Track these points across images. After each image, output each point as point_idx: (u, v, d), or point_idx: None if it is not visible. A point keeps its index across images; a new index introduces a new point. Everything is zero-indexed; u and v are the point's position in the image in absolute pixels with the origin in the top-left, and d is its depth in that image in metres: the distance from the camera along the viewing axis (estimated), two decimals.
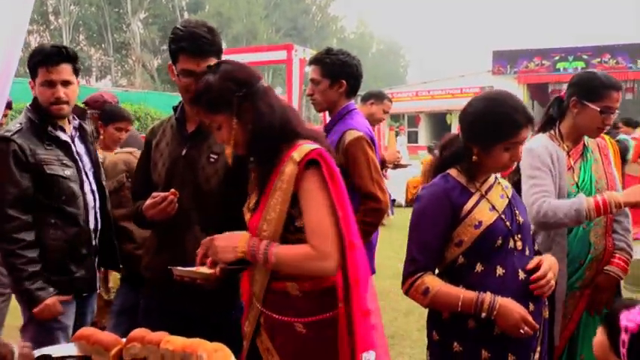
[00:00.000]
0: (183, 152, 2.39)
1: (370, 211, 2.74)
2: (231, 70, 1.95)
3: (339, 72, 3.00)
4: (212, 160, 2.35)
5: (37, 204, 2.53)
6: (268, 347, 2.00)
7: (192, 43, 2.28)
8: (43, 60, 2.55)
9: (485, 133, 2.04)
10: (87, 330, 1.83)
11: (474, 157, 2.07)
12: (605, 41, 27.38)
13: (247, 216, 2.03)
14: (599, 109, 2.53)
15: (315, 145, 1.89)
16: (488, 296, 1.96)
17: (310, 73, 3.06)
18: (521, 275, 2.05)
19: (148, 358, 1.73)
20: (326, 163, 1.87)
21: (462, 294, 1.98)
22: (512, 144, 2.03)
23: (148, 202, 2.26)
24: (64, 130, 2.67)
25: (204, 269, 1.98)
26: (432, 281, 2.04)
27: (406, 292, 2.11)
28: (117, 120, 3.74)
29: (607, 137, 2.86)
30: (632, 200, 2.43)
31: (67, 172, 2.60)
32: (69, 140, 2.67)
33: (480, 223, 2.02)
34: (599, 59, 23.41)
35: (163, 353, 1.70)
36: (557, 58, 25.24)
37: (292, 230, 1.91)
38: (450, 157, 2.17)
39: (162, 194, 2.23)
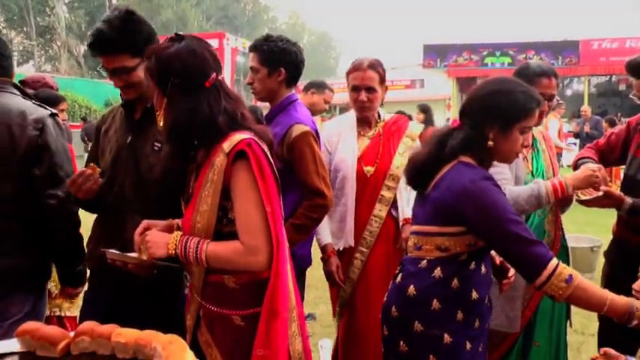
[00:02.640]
0: (129, 140, 2.33)
1: (316, 207, 2.72)
2: (182, 53, 1.86)
3: (277, 59, 2.87)
4: (156, 148, 2.30)
5: None
6: (207, 340, 1.97)
7: (95, 44, 2.25)
8: None
9: (506, 113, 2.00)
10: (31, 324, 1.73)
11: (489, 142, 2.02)
12: (530, 38, 28.42)
13: (183, 207, 2.00)
14: None
15: (246, 135, 1.85)
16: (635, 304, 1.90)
17: (250, 61, 2.96)
18: (491, 271, 2.13)
19: (98, 352, 1.67)
20: (255, 154, 1.82)
21: (609, 295, 1.90)
22: (527, 126, 2.04)
23: (68, 180, 2.21)
24: None
25: (137, 254, 1.95)
26: (571, 269, 1.91)
27: (546, 280, 1.88)
28: (52, 106, 3.58)
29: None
30: (581, 183, 2.53)
31: None
32: None
33: None
34: (524, 55, 24.22)
35: (114, 346, 1.64)
36: (485, 53, 25.96)
37: (225, 222, 1.87)
38: (455, 148, 2.05)
39: (82, 170, 2.18)
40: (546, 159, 2.82)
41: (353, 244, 2.99)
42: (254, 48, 2.94)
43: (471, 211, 1.94)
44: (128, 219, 2.25)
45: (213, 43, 18.12)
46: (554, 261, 1.89)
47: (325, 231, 3.02)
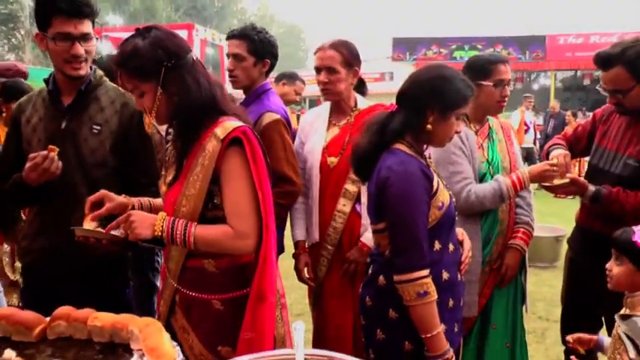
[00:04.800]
0: (63, 125, 2.29)
1: (284, 193, 2.77)
2: (163, 37, 1.87)
3: (265, 50, 2.97)
4: (95, 131, 2.29)
5: None
6: (183, 325, 1.98)
7: (68, 4, 2.17)
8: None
9: (447, 98, 2.03)
10: (6, 309, 1.73)
11: (428, 125, 2.04)
12: (497, 33, 28.73)
13: (163, 189, 1.99)
14: (492, 84, 2.71)
15: (239, 123, 1.87)
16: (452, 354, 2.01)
17: (232, 48, 2.97)
18: (460, 249, 2.17)
19: (74, 336, 1.68)
20: (249, 141, 1.85)
21: (440, 328, 1.98)
22: (463, 112, 2.09)
23: (28, 165, 2.13)
24: None
25: (112, 231, 1.92)
26: (433, 287, 1.98)
27: (405, 281, 1.97)
28: (19, 96, 3.55)
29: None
30: (537, 178, 2.63)
31: None
32: None
33: (443, 204, 2.04)
34: (492, 49, 24.49)
35: (91, 330, 1.65)
36: (454, 47, 26.17)
37: (210, 207, 1.89)
38: (396, 131, 2.08)
39: (42, 153, 2.11)
40: (502, 149, 2.87)
41: (318, 240, 2.91)
42: (242, 36, 2.96)
43: (385, 194, 2.00)
44: (75, 207, 2.19)
45: (182, 34, 17.90)
46: (424, 272, 1.96)
47: (299, 226, 2.99)
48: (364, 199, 2.75)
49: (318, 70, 2.85)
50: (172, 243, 1.87)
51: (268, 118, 2.79)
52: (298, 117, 18.31)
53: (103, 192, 2.02)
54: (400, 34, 31.15)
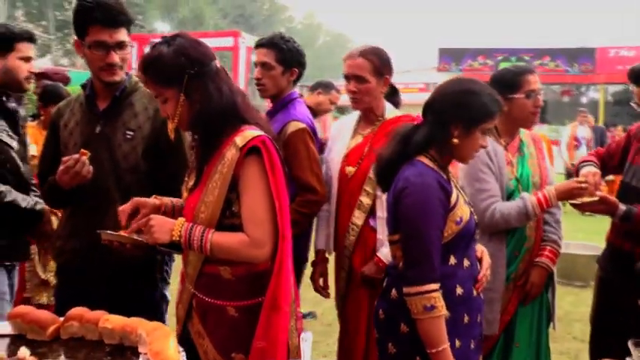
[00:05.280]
0: (97, 130, 2.34)
1: (307, 202, 2.76)
2: (187, 45, 1.90)
3: (293, 60, 2.98)
4: (128, 136, 2.34)
5: None
6: (199, 330, 1.99)
7: (104, 14, 2.23)
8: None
9: (473, 112, 2.00)
10: (23, 308, 1.79)
11: (453, 140, 2.02)
12: (546, 44, 28.23)
13: (184, 195, 2.02)
14: (523, 96, 2.64)
15: (259, 132, 1.88)
16: None
17: (260, 56, 2.97)
18: (477, 265, 2.13)
19: (86, 337, 1.72)
20: (268, 151, 1.86)
21: (447, 344, 1.95)
22: (488, 127, 2.06)
23: (61, 168, 2.18)
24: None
25: (135, 235, 1.95)
26: (442, 302, 1.95)
27: (413, 294, 1.95)
28: (57, 101, 3.67)
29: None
30: (564, 196, 2.56)
31: (13, 143, 2.60)
32: (17, 114, 2.67)
33: (461, 219, 2.02)
34: (539, 61, 24.10)
35: (102, 332, 1.69)
36: (500, 58, 25.79)
37: (228, 215, 1.90)
38: (420, 144, 2.05)
39: (74, 156, 2.16)
40: (533, 163, 2.79)
41: (332, 252, 2.87)
42: (270, 45, 2.97)
43: (400, 205, 1.98)
44: (107, 210, 2.26)
45: (228, 41, 18.11)
46: (433, 286, 1.93)
47: (321, 236, 2.96)
48: (380, 212, 2.67)
49: (346, 77, 2.78)
50: (189, 248, 1.89)
51: (293, 127, 2.79)
52: None
53: (136, 201, 2.04)
54: (446, 44, 30.89)
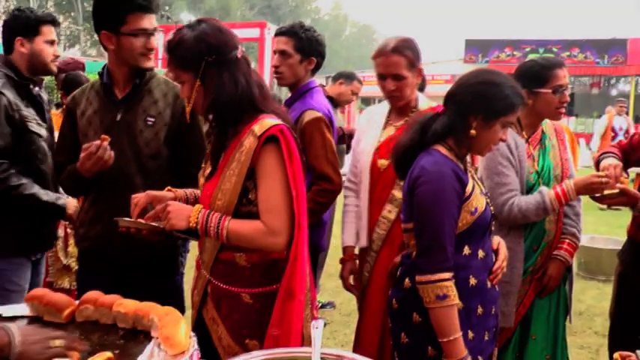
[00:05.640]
0: (118, 117, 2.37)
1: (323, 191, 2.75)
2: (209, 32, 1.90)
3: (312, 49, 2.98)
4: (149, 123, 2.36)
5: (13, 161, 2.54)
6: (214, 317, 2.01)
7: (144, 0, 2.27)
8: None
9: (494, 104, 1.99)
10: (39, 290, 1.82)
11: (472, 131, 2.00)
12: (575, 36, 27.78)
13: (201, 181, 2.03)
14: (551, 91, 2.59)
15: (278, 121, 1.89)
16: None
17: (279, 45, 2.98)
18: (492, 256, 2.11)
19: (100, 321, 1.74)
20: (286, 140, 1.86)
21: (459, 333, 1.95)
22: (509, 121, 2.04)
23: (83, 154, 2.21)
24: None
25: (151, 222, 1.97)
26: (454, 291, 1.95)
27: (426, 282, 1.94)
28: (75, 87, 3.71)
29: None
30: (583, 190, 2.51)
31: (42, 132, 2.64)
32: (42, 100, 2.73)
33: (476, 209, 2.01)
34: (568, 53, 23.75)
35: (115, 315, 1.71)
36: (527, 49, 25.47)
37: (244, 202, 1.91)
38: (438, 133, 2.04)
39: (95, 142, 2.19)
40: (555, 155, 2.74)
41: (367, 245, 2.73)
42: (289, 33, 2.98)
43: (414, 194, 1.98)
44: (131, 195, 2.23)
45: (255, 32, 18.25)
46: (446, 275, 1.92)
47: (349, 231, 2.84)
48: None
49: (381, 76, 2.63)
50: (206, 235, 1.90)
51: (309, 115, 2.79)
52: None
53: (150, 195, 2.07)
54: (473, 35, 30.57)
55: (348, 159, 3.41)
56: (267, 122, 1.87)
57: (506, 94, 2.00)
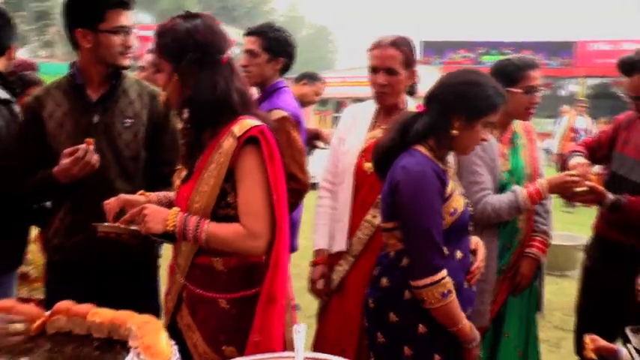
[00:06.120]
0: (95, 120, 2.28)
1: (290, 191, 2.69)
2: (201, 28, 1.85)
3: (280, 49, 2.98)
4: (127, 124, 2.31)
5: None
6: (189, 323, 1.96)
7: None
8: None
9: (476, 104, 1.99)
10: (6, 302, 1.73)
11: (454, 131, 2.00)
12: (526, 38, 28.48)
13: (177, 183, 1.98)
14: (521, 91, 2.61)
15: (258, 122, 1.85)
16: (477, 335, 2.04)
17: (248, 44, 2.98)
18: (470, 256, 2.12)
19: (73, 331, 1.67)
20: (267, 141, 1.83)
21: (465, 320, 1.99)
22: (491, 120, 2.04)
23: (68, 160, 2.11)
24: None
25: (131, 226, 1.92)
26: (452, 285, 1.96)
27: (427, 285, 1.92)
28: (32, 87, 3.57)
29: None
30: (556, 189, 2.55)
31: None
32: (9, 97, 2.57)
33: (455, 210, 2.01)
34: (520, 55, 24.28)
35: (90, 325, 1.64)
36: (481, 51, 26.00)
37: (223, 205, 1.87)
38: (420, 133, 2.03)
39: (82, 146, 2.10)
40: (526, 155, 2.79)
41: (346, 249, 2.63)
42: (258, 33, 2.98)
43: (397, 195, 1.97)
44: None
45: None
46: (444, 272, 1.93)
47: (322, 234, 2.75)
48: None
49: (374, 69, 2.56)
50: (184, 239, 1.85)
51: (274, 115, 2.75)
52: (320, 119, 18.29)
53: (121, 198, 2.02)
54: (428, 37, 31.00)
55: (311, 159, 3.39)
56: (247, 123, 1.83)
57: (489, 94, 2.01)
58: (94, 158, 2.13)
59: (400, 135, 2.07)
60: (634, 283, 2.48)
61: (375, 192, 2.50)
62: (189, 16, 1.89)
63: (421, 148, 2.03)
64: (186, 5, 40.71)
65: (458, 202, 2.03)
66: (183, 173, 1.96)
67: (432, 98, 2.07)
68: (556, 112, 12.51)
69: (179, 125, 2.22)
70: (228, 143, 1.82)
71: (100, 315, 1.64)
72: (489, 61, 25.70)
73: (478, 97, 1.99)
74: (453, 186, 2.04)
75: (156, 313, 1.89)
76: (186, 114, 1.92)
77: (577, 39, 25.96)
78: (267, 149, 1.83)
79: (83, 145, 2.11)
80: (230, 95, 1.87)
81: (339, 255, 2.66)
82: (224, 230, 1.83)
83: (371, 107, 2.72)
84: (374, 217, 2.54)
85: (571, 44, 25.45)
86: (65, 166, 2.13)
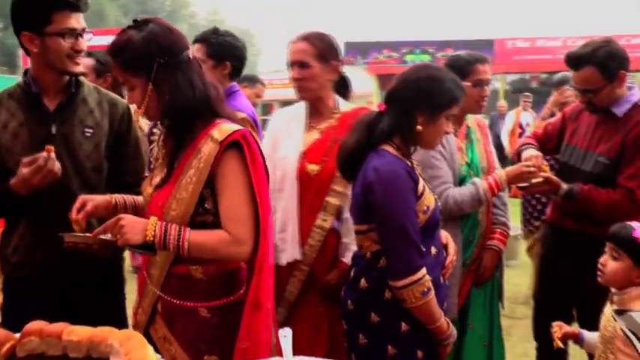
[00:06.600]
0: (53, 130, 2.17)
1: None
2: (158, 32, 1.80)
3: (224, 53, 2.95)
4: (87, 134, 2.20)
5: None
6: (165, 335, 1.89)
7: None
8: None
9: (437, 99, 2.00)
10: None
11: (418, 127, 2.01)
12: (448, 37, 29.29)
13: (149, 190, 1.89)
14: (470, 84, 2.67)
15: (238, 127, 1.81)
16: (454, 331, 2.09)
17: (193, 52, 2.92)
18: (443, 252, 2.15)
19: (47, 353, 1.57)
20: (249, 145, 1.79)
21: (443, 317, 2.02)
22: (452, 113, 2.06)
23: (25, 171, 1.99)
24: None
25: (102, 236, 1.85)
26: (430, 284, 1.96)
27: (408, 285, 1.93)
28: None
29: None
30: (514, 180, 2.63)
31: None
32: None
33: (428, 208, 2.01)
34: (443, 53, 24.83)
35: (66, 345, 1.54)
36: (405, 50, 26.47)
37: (200, 212, 1.81)
38: (385, 132, 2.03)
39: (42, 155, 1.99)
40: (480, 149, 2.86)
41: (300, 257, 2.50)
42: (201, 40, 2.97)
43: (371, 197, 1.96)
44: None
45: None
46: (424, 271, 1.95)
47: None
48: (347, 213, 2.42)
49: (290, 65, 2.56)
50: (164, 249, 1.78)
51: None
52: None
53: (82, 198, 1.96)
54: (352, 38, 31.42)
55: None
56: (227, 127, 1.79)
57: (449, 87, 2.03)
58: (56, 166, 2.02)
59: (365, 135, 2.07)
60: (586, 269, 2.58)
61: (322, 195, 2.46)
62: (138, 24, 1.83)
63: (388, 148, 2.03)
64: (105, 10, 39.63)
65: (430, 200, 2.05)
66: (156, 180, 1.89)
67: (392, 96, 2.07)
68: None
69: (141, 134, 2.15)
70: (208, 148, 1.77)
71: (76, 333, 1.54)
72: (413, 60, 26.31)
73: (439, 91, 2.01)
74: (423, 183, 2.05)
75: (121, 325, 1.81)
76: (167, 120, 1.85)
77: (496, 37, 26.86)
78: (250, 154, 1.79)
79: (44, 154, 2.00)
80: (208, 91, 1.84)
81: (292, 266, 2.53)
82: (207, 238, 1.78)
83: (301, 109, 2.67)
84: (324, 221, 2.48)
85: (490, 42, 26.27)
86: (25, 176, 2.01)
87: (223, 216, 1.80)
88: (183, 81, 1.79)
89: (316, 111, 2.62)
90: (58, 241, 1.93)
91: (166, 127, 1.88)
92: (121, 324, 2.14)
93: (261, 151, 1.86)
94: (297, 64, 2.51)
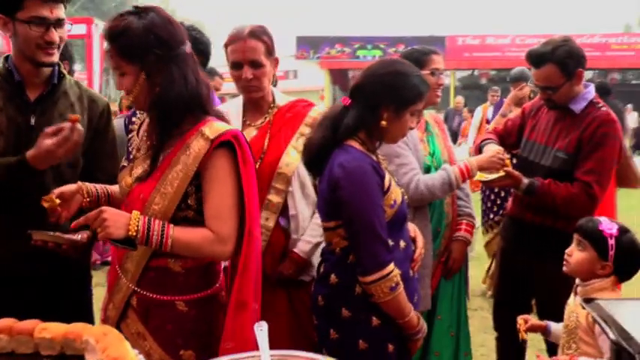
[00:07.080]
0: (32, 122, 2.12)
1: None
2: (158, 23, 1.77)
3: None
4: None
5: None
6: (139, 331, 1.86)
7: None
8: None
9: (403, 94, 2.01)
10: None
11: (382, 122, 2.02)
12: (400, 33, 29.58)
13: (128, 181, 1.85)
14: (428, 72, 2.71)
15: (229, 126, 1.81)
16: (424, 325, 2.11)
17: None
18: (412, 245, 2.16)
19: (17, 351, 1.53)
20: (240, 146, 1.78)
21: (413, 311, 2.03)
22: (417, 109, 2.07)
23: (48, 142, 1.93)
24: None
25: (72, 236, 1.82)
26: (398, 279, 1.98)
27: (376, 280, 1.94)
28: None
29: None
30: (484, 165, 2.68)
31: None
32: None
33: (395, 202, 2.03)
34: (394, 49, 25.06)
35: (38, 343, 1.50)
36: (357, 46, 26.58)
37: (182, 207, 1.79)
38: (350, 127, 2.03)
39: (66, 124, 1.94)
40: (440, 143, 2.92)
41: None
42: None
43: (338, 193, 1.97)
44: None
45: (81, 28, 17.00)
46: (392, 266, 1.97)
47: None
48: (293, 210, 2.41)
49: (237, 65, 2.41)
50: (146, 245, 1.75)
51: None
52: None
53: (57, 190, 1.93)
54: (303, 32, 31.39)
55: None
56: (219, 126, 1.78)
57: (414, 82, 2.05)
58: (82, 137, 1.99)
59: (330, 131, 2.07)
60: (546, 261, 2.66)
61: (262, 193, 2.33)
62: (139, 11, 1.79)
63: (354, 143, 2.04)
64: None
65: (396, 194, 2.06)
66: (137, 171, 1.85)
67: (358, 90, 2.08)
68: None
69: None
70: (198, 145, 1.76)
71: (50, 330, 1.50)
72: (365, 55, 26.49)
73: (405, 87, 2.03)
74: (389, 177, 2.07)
75: (91, 322, 1.77)
76: (155, 112, 1.82)
77: (447, 34, 27.27)
78: (241, 154, 1.79)
79: (68, 123, 1.95)
80: (200, 88, 1.82)
81: None
82: (191, 235, 1.77)
83: (237, 105, 2.57)
84: (267, 220, 2.40)
85: (441, 39, 26.62)
86: (49, 147, 1.95)
87: (208, 214, 1.78)
88: (178, 75, 1.77)
89: (255, 107, 2.54)
90: (27, 237, 1.88)
91: (153, 119, 1.85)
92: (88, 320, 2.09)
93: (251, 150, 1.86)
94: (249, 63, 2.39)
